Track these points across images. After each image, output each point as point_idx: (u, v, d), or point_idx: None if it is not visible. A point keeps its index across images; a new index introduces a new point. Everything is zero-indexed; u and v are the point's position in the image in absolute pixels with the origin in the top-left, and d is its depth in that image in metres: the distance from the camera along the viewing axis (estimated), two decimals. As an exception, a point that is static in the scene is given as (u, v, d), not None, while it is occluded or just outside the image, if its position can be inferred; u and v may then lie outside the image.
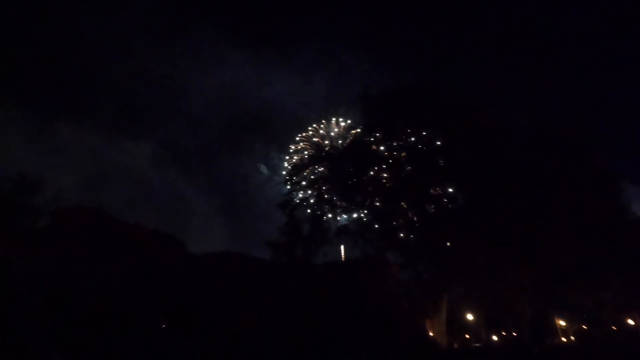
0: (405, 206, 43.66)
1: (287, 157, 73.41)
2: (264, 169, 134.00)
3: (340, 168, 46.32)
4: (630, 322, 48.86)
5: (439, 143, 41.79)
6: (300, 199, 48.78)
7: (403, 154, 45.29)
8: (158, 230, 40.79)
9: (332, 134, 70.21)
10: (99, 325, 28.53)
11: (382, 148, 44.74)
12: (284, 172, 73.38)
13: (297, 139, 72.78)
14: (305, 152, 69.60)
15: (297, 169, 51.21)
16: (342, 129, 70.03)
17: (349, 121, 68.89)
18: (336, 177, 45.71)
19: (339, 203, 45.19)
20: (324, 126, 71.69)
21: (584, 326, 54.70)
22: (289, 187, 51.81)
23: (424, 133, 42.79)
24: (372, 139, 45.44)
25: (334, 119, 70.09)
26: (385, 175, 44.30)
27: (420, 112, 41.69)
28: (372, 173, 44.50)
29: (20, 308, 30.70)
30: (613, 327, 54.81)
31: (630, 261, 41.42)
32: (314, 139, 68.75)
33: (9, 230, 37.79)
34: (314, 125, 72.60)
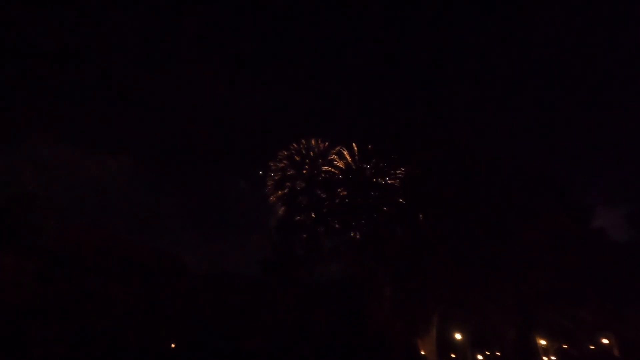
0: (397, 230, 46.28)
1: (267, 174, 75.18)
2: (243, 184, 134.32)
3: (336, 192, 48.72)
4: (605, 341, 51.74)
5: (427, 175, 45.05)
6: (296, 221, 50.66)
7: (392, 181, 48.38)
8: (161, 251, 42.13)
9: (312, 153, 72.10)
10: (109, 347, 29.55)
11: (378, 176, 47.73)
12: (269, 188, 75.01)
13: (277, 158, 74.71)
14: (279, 174, 71.09)
15: (293, 191, 53.23)
16: (322, 148, 72.12)
17: (327, 143, 71.20)
18: (332, 201, 48.07)
19: (337, 226, 47.41)
20: (303, 145, 73.64)
21: (563, 345, 57.27)
22: (285, 208, 53.62)
23: (414, 166, 46.10)
24: (368, 168, 48.43)
25: (313, 139, 72.32)
26: (378, 201, 47.00)
27: (412, 147, 45.05)
28: (365, 199, 47.19)
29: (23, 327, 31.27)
30: (591, 347, 57.63)
31: (605, 282, 44.86)
32: (287, 164, 70.33)
33: (15, 249, 38.08)
34: (292, 145, 74.58)
